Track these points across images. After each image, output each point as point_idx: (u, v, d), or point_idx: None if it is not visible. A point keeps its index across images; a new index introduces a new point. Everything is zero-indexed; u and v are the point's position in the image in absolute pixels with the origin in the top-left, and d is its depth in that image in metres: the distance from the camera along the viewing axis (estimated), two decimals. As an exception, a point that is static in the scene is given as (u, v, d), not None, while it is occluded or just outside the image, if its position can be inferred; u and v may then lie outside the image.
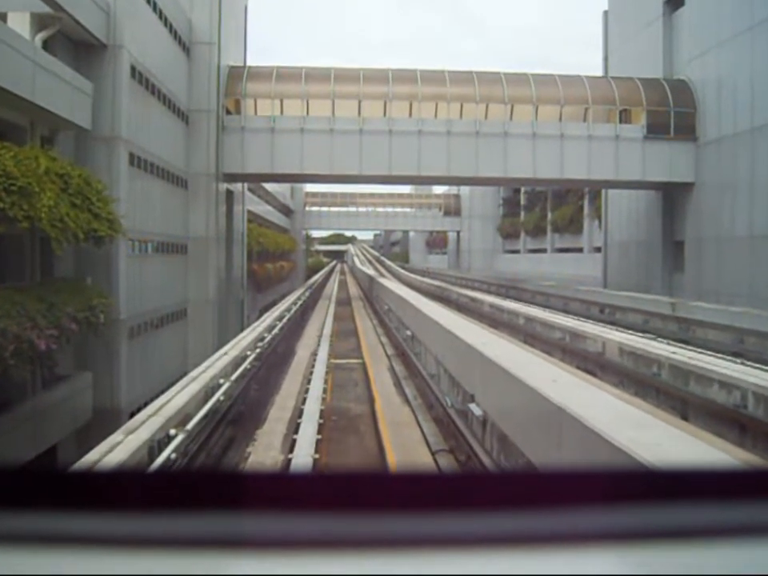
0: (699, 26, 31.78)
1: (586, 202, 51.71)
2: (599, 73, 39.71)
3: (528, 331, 23.59)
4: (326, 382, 14.66)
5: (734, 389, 11.29)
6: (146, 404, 12.40)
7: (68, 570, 0.87)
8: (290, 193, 69.81)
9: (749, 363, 13.32)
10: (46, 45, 18.22)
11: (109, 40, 20.39)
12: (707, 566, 0.92)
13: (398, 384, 16.26)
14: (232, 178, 31.93)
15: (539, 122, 32.00)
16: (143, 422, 7.68)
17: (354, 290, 63.17)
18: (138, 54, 21.94)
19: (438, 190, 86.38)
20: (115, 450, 6.72)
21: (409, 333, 19.02)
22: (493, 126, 31.77)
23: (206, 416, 9.35)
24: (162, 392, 11.60)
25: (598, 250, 45.96)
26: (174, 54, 27.05)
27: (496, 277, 58.90)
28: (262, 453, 10.28)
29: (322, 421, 10.99)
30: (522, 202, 67.38)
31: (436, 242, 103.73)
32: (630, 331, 19.44)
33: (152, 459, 7.30)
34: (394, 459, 9.85)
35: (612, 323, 24.40)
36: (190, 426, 8.30)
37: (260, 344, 16.96)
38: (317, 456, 9.59)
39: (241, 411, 12.05)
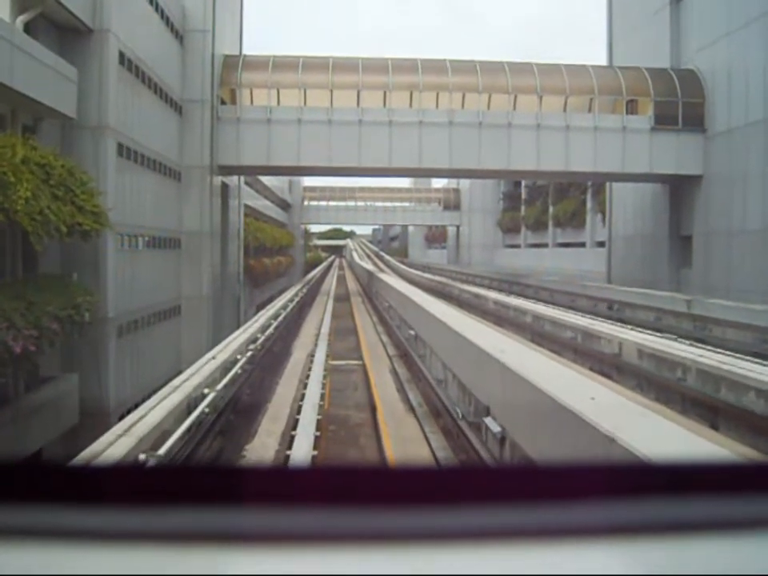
0: (708, 15, 30.92)
1: (588, 196, 50.81)
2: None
3: (536, 329, 22.60)
4: (323, 386, 13.61)
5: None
6: (136, 405, 11.86)
7: (65, 563, 0.87)
8: (288, 187, 69.08)
9: None
10: (28, 28, 17.30)
11: (95, 24, 19.39)
12: (707, 559, 0.92)
13: (401, 389, 15.23)
14: (227, 170, 31.02)
15: (544, 113, 31.05)
16: (110, 444, 6.64)
17: (352, 285, 62.35)
18: (127, 40, 20.96)
19: (438, 184, 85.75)
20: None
21: (412, 332, 17.99)
22: (496, 116, 30.84)
23: (187, 432, 8.34)
24: (155, 391, 11.00)
25: (601, 244, 45.21)
26: (166, 41, 26.08)
27: (497, 272, 57.98)
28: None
29: (318, 433, 9.97)
30: (523, 195, 66.47)
31: (435, 237, 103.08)
32: (648, 331, 18.33)
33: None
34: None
35: (621, 320, 23.36)
36: (165, 447, 7.23)
37: (252, 345, 15.96)
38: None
39: (229, 423, 11.01)
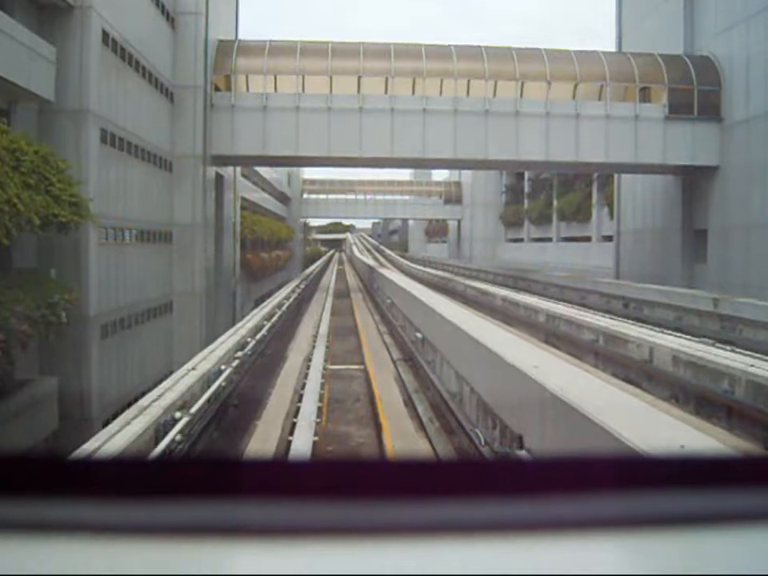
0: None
1: (594, 189, 49.44)
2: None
3: (551, 330, 21.14)
4: (320, 397, 12.15)
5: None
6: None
7: (67, 557, 0.86)
8: (287, 180, 67.80)
9: None
10: (2, 4, 15.91)
11: (75, 0, 17.96)
12: (708, 552, 0.91)
13: (408, 402, 13.73)
14: (221, 160, 29.61)
15: (552, 101, 29.61)
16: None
17: (352, 280, 61.01)
18: (111, 19, 19.54)
19: (439, 177, 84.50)
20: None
21: (419, 335, 16.52)
22: (503, 104, 29.43)
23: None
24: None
25: (607, 239, 43.88)
26: (155, 22, 24.63)
27: (501, 267, 56.60)
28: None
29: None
30: (526, 189, 65.06)
31: (435, 231, 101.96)
32: (674, 332, 16.88)
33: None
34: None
35: (639, 320, 21.89)
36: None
37: (241, 352, 14.49)
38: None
39: (208, 449, 9.54)
